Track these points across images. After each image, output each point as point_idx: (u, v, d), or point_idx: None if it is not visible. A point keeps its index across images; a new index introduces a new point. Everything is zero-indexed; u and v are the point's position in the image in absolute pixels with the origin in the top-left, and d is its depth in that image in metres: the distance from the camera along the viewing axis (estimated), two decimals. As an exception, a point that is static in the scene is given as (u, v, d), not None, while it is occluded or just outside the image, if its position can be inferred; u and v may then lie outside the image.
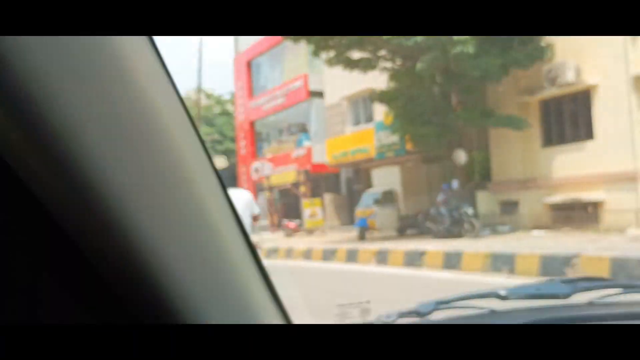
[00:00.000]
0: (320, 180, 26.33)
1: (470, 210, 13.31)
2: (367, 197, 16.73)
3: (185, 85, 21.10)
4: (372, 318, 1.18)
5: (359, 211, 16.44)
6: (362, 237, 15.71)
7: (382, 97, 15.37)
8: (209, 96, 48.56)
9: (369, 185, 19.65)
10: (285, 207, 28.02)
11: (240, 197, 5.58)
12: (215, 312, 0.65)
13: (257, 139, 32.76)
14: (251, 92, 32.35)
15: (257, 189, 31.00)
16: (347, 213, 23.11)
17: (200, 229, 0.63)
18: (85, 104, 0.49)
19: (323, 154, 23.13)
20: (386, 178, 17.35)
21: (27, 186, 0.52)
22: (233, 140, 42.56)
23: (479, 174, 14.52)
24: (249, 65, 32.33)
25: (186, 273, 0.60)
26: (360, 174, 22.04)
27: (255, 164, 30.38)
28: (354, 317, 1.20)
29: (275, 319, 0.79)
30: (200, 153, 0.67)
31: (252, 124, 32.33)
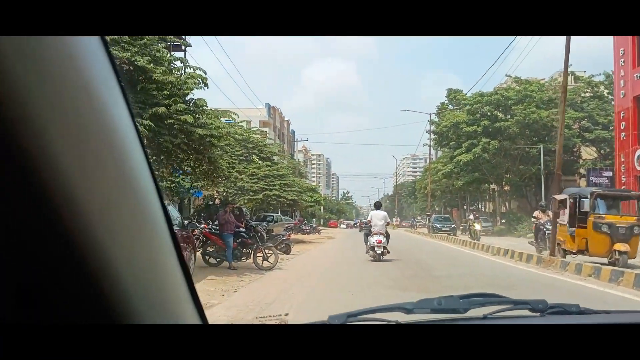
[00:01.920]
0: None
1: None
2: None
3: (555, 68, 16.18)
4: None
5: None
6: None
7: None
8: (577, 78, 41.91)
9: None
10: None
11: (380, 213, 14.25)
12: (142, 313, 0.68)
13: (643, 120, 25.14)
14: (637, 59, 24.91)
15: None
16: None
17: (135, 234, 0.68)
18: (37, 100, 0.51)
19: None
20: None
21: None
22: (605, 127, 35.43)
23: None
24: (635, 24, 24.93)
25: (120, 275, 0.63)
26: None
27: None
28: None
29: (193, 319, 0.88)
30: (142, 160, 0.71)
31: (636, 101, 24.91)
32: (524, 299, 1.37)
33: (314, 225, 41.95)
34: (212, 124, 11.50)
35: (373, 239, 13.99)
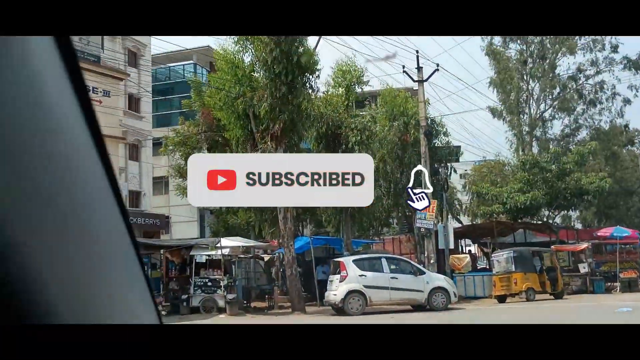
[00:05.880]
0: None
1: None
2: None
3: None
4: None
5: None
6: None
7: None
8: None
9: None
10: None
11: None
12: (98, 312, 0.69)
13: None
14: None
15: None
16: None
17: (86, 232, 0.66)
18: None
19: None
20: None
21: None
22: None
23: None
24: None
25: (73, 275, 0.63)
26: None
27: None
28: None
29: (151, 319, 0.89)
30: (96, 160, 0.69)
31: None
32: None
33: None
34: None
35: None
